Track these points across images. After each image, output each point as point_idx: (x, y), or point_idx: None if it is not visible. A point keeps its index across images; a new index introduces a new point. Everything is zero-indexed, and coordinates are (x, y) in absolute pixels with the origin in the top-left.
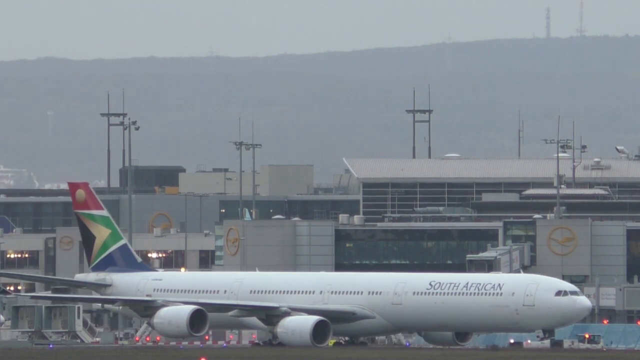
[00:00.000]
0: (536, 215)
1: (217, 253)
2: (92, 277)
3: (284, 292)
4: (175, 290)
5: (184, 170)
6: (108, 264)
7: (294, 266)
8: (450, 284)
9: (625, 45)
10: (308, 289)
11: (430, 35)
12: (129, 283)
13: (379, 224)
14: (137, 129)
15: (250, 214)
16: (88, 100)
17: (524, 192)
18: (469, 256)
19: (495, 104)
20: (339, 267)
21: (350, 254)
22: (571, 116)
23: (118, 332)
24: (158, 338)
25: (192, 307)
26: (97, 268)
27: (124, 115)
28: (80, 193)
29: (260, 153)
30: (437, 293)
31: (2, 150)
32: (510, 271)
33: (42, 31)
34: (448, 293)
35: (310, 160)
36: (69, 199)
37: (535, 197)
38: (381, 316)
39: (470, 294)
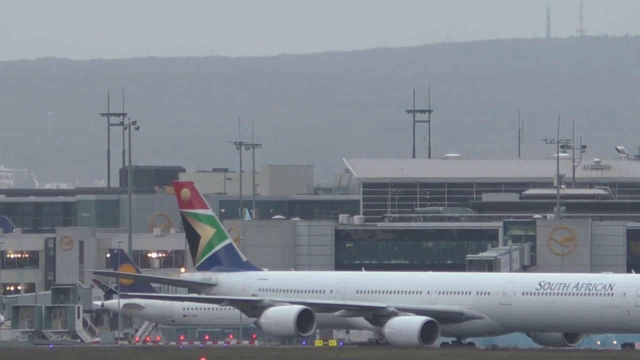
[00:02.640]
0: (536, 215)
1: None
2: (197, 276)
3: (390, 292)
4: (281, 290)
5: (184, 170)
6: (213, 263)
7: (294, 266)
8: (560, 284)
9: (625, 45)
10: (415, 289)
11: (430, 35)
12: (234, 283)
13: (379, 224)
14: (137, 129)
15: (250, 214)
16: (88, 100)
17: (524, 192)
18: (469, 256)
19: (495, 104)
20: (339, 267)
21: (350, 254)
22: (571, 116)
23: (118, 331)
24: (158, 338)
25: (299, 307)
26: (202, 267)
27: (124, 115)
28: (185, 192)
29: (260, 153)
30: (546, 293)
31: (2, 150)
32: (511, 271)
33: (42, 31)
34: (558, 293)
35: (310, 160)
36: (69, 199)
37: (535, 197)
38: (489, 317)
39: (581, 294)
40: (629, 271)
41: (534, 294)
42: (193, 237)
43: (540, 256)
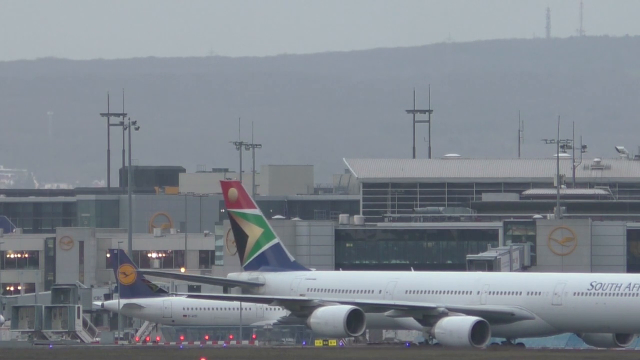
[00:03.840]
0: (536, 215)
1: (217, 253)
2: (244, 276)
3: (440, 292)
4: (329, 290)
5: (184, 170)
6: (261, 263)
7: None
8: (612, 284)
9: (625, 45)
10: (465, 289)
11: (430, 35)
12: (282, 282)
13: (379, 224)
14: (137, 129)
15: None
16: (88, 100)
17: (524, 192)
18: (469, 256)
19: (495, 104)
20: (339, 267)
21: (350, 254)
22: (571, 116)
23: (118, 331)
24: (158, 338)
25: (349, 307)
26: (250, 267)
27: (124, 115)
28: (233, 192)
29: (260, 153)
30: (598, 294)
31: (2, 150)
32: (511, 271)
33: (42, 31)
34: (610, 294)
35: (310, 160)
36: (69, 199)
37: (535, 197)
38: (540, 317)
39: (633, 294)
40: (629, 271)
41: (586, 294)
42: (240, 237)
43: (540, 256)
